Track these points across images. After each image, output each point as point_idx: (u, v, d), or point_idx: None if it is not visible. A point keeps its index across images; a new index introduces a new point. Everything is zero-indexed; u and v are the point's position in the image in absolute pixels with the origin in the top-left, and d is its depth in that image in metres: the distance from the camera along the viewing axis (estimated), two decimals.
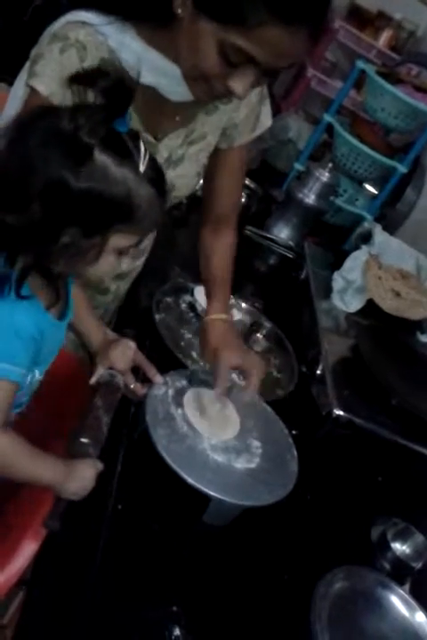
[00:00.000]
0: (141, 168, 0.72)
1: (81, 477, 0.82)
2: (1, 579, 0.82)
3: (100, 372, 0.96)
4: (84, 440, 0.85)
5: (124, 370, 0.98)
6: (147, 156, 0.73)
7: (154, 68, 0.94)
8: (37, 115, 0.73)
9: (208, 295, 1.16)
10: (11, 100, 1.06)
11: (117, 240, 0.74)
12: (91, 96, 0.92)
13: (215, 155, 1.14)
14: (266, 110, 1.14)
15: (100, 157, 0.69)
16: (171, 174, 1.07)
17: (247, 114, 1.11)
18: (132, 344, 1.00)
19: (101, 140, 0.69)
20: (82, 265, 0.75)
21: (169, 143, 1.06)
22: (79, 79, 0.73)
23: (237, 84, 0.85)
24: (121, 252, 0.77)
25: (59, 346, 0.88)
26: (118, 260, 0.78)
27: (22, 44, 1.06)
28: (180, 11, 0.84)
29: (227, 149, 1.13)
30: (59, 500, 0.81)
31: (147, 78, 0.94)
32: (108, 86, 0.71)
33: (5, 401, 0.76)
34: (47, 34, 0.95)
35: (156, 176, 0.75)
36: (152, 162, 0.75)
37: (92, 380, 0.96)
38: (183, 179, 1.11)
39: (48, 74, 0.91)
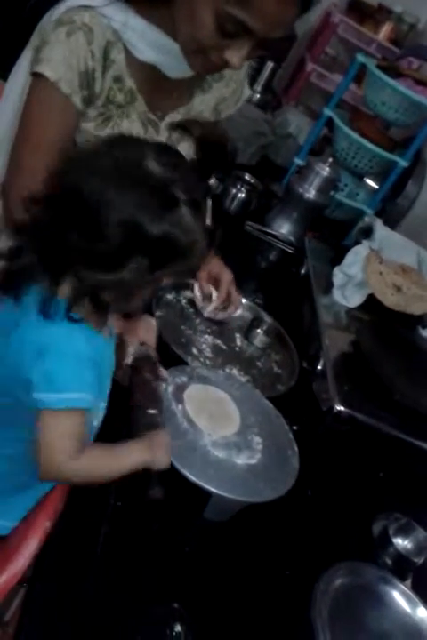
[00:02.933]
0: (208, 222, 0.76)
1: (163, 445, 0.84)
2: (3, 578, 0.82)
3: (132, 350, 0.96)
4: (152, 411, 0.88)
5: (153, 343, 0.99)
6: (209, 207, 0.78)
7: (155, 46, 0.95)
8: (118, 144, 0.73)
9: None
10: (7, 94, 1.05)
11: (167, 278, 0.77)
12: (99, 83, 0.93)
13: None
14: (246, 83, 1.20)
15: (184, 209, 0.70)
16: None
17: (235, 88, 1.15)
18: (152, 319, 1.01)
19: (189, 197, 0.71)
20: (134, 299, 0.76)
21: (170, 121, 1.08)
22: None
23: (234, 55, 0.88)
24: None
25: (112, 364, 0.87)
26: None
27: (20, 39, 1.06)
28: None
29: (213, 122, 1.17)
30: (151, 472, 0.82)
31: (149, 56, 0.96)
32: (207, 144, 0.75)
33: (77, 429, 0.75)
34: (47, 22, 0.95)
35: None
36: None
37: (129, 360, 0.95)
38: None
39: (55, 58, 0.90)
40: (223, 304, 1.29)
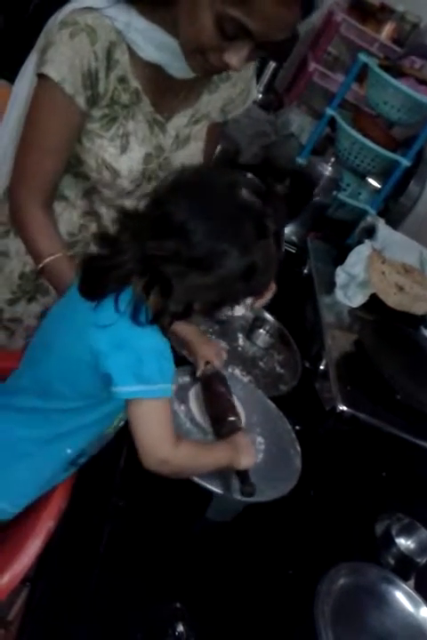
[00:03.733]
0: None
1: (246, 445, 0.91)
2: (6, 578, 0.82)
3: (202, 367, 1.05)
4: (231, 419, 0.96)
5: (219, 366, 1.07)
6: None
7: (158, 46, 0.95)
8: (216, 175, 0.82)
9: None
10: (14, 97, 1.06)
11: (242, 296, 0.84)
12: (102, 84, 0.93)
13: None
14: (253, 83, 1.18)
15: (270, 239, 0.79)
16: (181, 155, 1.09)
17: (242, 89, 1.14)
18: (223, 346, 1.14)
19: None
20: (219, 307, 0.82)
21: (177, 122, 1.08)
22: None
23: (233, 57, 0.88)
24: None
25: None
26: None
27: (24, 40, 1.06)
28: None
29: (218, 123, 1.16)
30: (240, 472, 0.89)
31: (153, 56, 0.96)
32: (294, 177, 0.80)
33: (170, 417, 0.81)
34: (52, 24, 0.95)
35: None
36: None
37: (199, 374, 1.06)
38: (192, 158, 1.13)
39: (59, 59, 0.91)
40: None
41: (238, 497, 0.87)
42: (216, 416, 0.98)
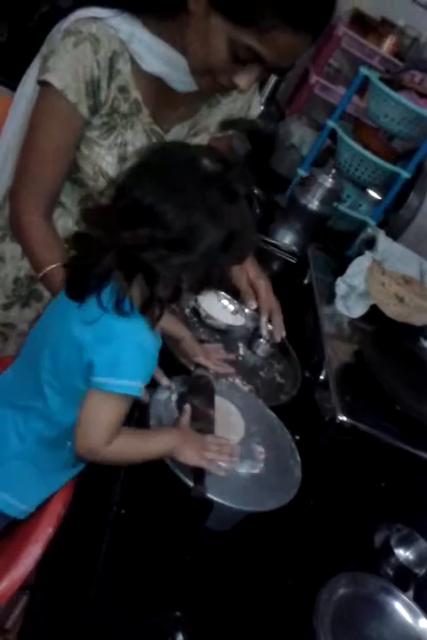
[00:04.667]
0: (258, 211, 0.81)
1: (195, 441, 0.88)
2: (4, 584, 0.82)
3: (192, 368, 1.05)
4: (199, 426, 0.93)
5: (211, 367, 1.08)
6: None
7: (161, 59, 0.96)
8: (176, 151, 0.80)
9: None
10: (16, 103, 1.06)
11: (227, 266, 0.81)
12: (104, 92, 0.94)
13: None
14: (256, 100, 1.19)
15: (243, 201, 0.76)
16: None
17: (242, 105, 1.15)
18: (222, 351, 1.15)
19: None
20: (205, 282, 0.81)
21: (175, 134, 1.09)
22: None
23: (243, 79, 0.90)
24: None
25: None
26: None
27: (28, 49, 1.07)
28: (193, 6, 0.86)
29: (220, 137, 1.17)
30: (195, 469, 0.87)
31: (155, 68, 0.97)
32: (252, 134, 0.80)
33: (121, 414, 0.81)
34: (56, 32, 0.96)
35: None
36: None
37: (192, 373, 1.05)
38: None
39: (62, 67, 0.92)
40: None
41: (232, 505, 0.87)
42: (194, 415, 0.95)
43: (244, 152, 0.85)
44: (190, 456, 0.86)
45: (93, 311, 0.76)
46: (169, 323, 1.05)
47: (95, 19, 0.93)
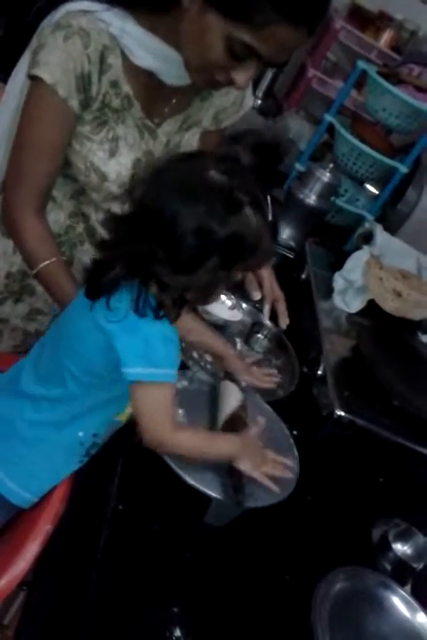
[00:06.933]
0: (270, 217, 0.79)
1: (254, 448, 0.92)
2: (3, 581, 0.82)
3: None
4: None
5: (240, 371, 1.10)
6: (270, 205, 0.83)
7: (153, 53, 0.95)
8: (182, 161, 0.81)
9: None
10: (6, 98, 1.05)
11: (240, 273, 0.84)
12: (95, 87, 0.94)
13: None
14: (248, 92, 1.18)
15: (247, 210, 0.77)
16: None
17: (235, 98, 1.14)
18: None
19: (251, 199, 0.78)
20: (213, 295, 0.84)
21: (167, 128, 1.08)
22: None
23: (240, 76, 0.89)
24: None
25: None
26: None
27: (24, 44, 1.06)
28: (186, 2, 0.86)
29: (213, 131, 1.16)
30: (234, 478, 0.89)
31: (146, 62, 0.96)
32: (258, 146, 0.79)
33: (170, 402, 0.83)
34: (46, 25, 0.95)
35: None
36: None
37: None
38: None
39: (52, 62, 0.91)
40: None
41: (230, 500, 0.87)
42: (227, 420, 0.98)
43: (249, 162, 0.84)
44: (248, 466, 0.89)
45: (117, 309, 0.79)
46: (211, 338, 1.09)
47: (85, 12, 0.92)
